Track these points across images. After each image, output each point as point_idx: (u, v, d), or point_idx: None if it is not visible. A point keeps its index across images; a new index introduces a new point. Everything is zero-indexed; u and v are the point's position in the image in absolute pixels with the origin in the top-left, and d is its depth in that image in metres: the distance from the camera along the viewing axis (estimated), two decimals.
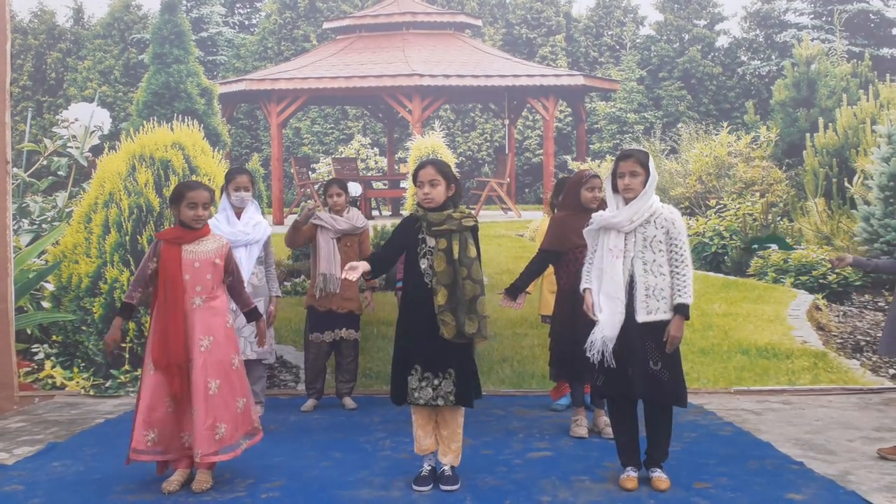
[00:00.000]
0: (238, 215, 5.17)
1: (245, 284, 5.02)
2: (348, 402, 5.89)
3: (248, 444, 4.07)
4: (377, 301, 5.96)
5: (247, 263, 5.08)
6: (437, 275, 3.81)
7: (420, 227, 3.90)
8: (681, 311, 3.79)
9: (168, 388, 3.87)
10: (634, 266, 3.82)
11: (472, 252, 3.87)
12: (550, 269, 5.02)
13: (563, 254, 4.77)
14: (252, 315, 4.26)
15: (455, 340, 3.79)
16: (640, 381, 3.78)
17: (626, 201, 3.87)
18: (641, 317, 3.79)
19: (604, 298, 3.85)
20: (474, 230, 3.92)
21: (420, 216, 3.90)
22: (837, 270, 6.80)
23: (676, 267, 3.82)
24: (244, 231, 5.11)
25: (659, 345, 3.81)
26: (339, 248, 5.68)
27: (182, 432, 3.94)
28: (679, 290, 3.79)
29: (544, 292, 5.53)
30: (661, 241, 3.83)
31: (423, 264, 3.87)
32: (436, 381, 3.83)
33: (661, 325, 3.81)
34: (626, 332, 3.81)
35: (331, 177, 7.65)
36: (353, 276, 3.76)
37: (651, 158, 3.89)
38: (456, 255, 3.81)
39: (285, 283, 7.08)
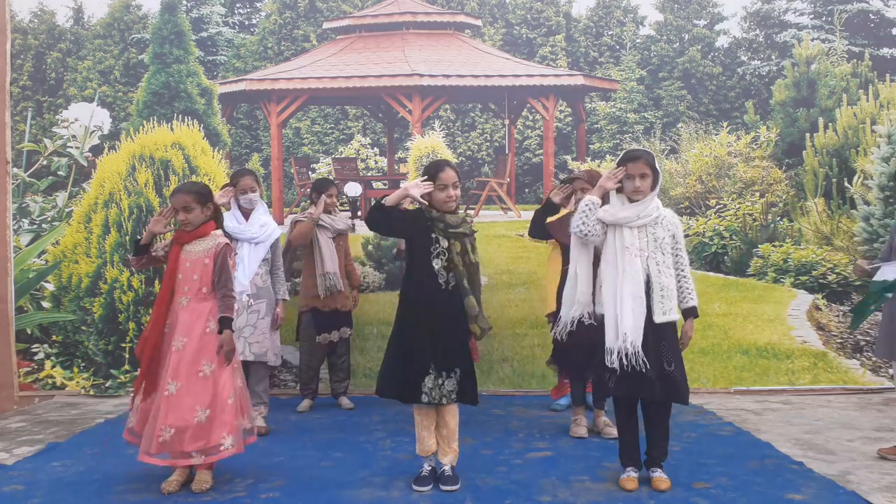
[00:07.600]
0: (247, 216, 5.17)
1: (248, 285, 5.04)
2: (345, 401, 5.88)
3: (205, 460, 3.85)
4: (380, 302, 5.99)
5: (250, 261, 5.07)
6: (458, 277, 3.85)
7: (430, 226, 3.88)
8: (693, 312, 3.91)
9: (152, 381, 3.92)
10: (650, 266, 3.82)
11: (477, 256, 3.99)
12: (555, 269, 5.04)
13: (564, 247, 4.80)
14: (221, 323, 3.93)
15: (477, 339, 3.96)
16: (658, 382, 3.77)
17: (633, 202, 3.87)
18: (658, 317, 3.78)
19: (627, 298, 3.77)
20: (473, 236, 4.04)
21: (435, 217, 3.87)
22: (838, 270, 6.84)
23: (682, 270, 3.90)
24: (250, 228, 5.12)
25: (670, 345, 3.82)
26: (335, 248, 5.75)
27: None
28: (689, 293, 3.89)
29: (549, 291, 5.52)
30: (667, 244, 3.86)
31: (437, 264, 3.86)
32: (439, 381, 3.83)
33: (670, 326, 3.84)
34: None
35: (331, 177, 7.66)
36: (418, 192, 3.78)
37: (656, 158, 3.91)
38: (472, 259, 3.91)
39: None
